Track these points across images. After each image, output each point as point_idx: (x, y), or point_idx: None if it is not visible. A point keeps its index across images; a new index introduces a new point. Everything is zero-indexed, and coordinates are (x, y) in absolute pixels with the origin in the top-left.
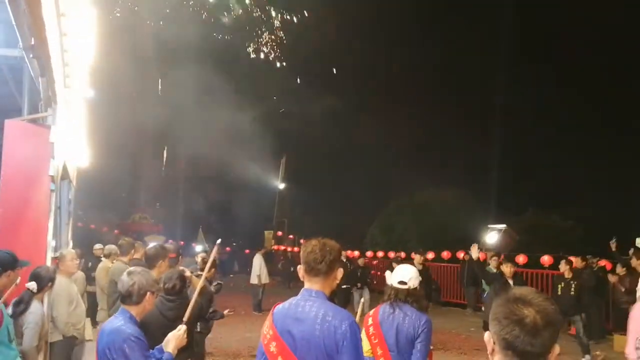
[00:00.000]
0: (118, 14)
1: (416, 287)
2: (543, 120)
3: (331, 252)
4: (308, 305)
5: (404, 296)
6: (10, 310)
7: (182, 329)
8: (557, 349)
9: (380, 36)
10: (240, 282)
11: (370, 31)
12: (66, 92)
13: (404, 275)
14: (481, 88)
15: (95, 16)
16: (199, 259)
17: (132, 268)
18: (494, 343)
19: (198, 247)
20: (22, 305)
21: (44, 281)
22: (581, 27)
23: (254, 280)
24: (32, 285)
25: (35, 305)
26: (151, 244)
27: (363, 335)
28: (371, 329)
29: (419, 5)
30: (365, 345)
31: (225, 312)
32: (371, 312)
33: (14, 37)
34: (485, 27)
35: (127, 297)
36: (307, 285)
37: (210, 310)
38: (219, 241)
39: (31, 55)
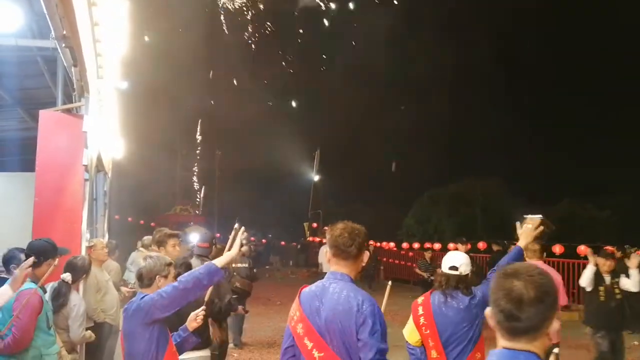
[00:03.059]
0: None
1: (467, 274)
2: (580, 109)
3: (359, 235)
4: (332, 287)
5: (455, 282)
6: (50, 303)
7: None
8: (555, 324)
9: (424, 33)
10: (276, 273)
11: (413, 26)
12: (99, 83)
13: (454, 260)
14: (516, 78)
15: (126, 6)
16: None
17: (150, 253)
18: (492, 317)
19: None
20: (60, 298)
21: (79, 272)
22: None
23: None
24: (68, 277)
25: (75, 297)
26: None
27: (412, 325)
28: (422, 319)
29: None
30: (415, 336)
31: (240, 308)
32: (420, 300)
33: (47, 29)
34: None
35: (140, 280)
36: (333, 268)
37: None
38: (237, 225)
39: (64, 45)
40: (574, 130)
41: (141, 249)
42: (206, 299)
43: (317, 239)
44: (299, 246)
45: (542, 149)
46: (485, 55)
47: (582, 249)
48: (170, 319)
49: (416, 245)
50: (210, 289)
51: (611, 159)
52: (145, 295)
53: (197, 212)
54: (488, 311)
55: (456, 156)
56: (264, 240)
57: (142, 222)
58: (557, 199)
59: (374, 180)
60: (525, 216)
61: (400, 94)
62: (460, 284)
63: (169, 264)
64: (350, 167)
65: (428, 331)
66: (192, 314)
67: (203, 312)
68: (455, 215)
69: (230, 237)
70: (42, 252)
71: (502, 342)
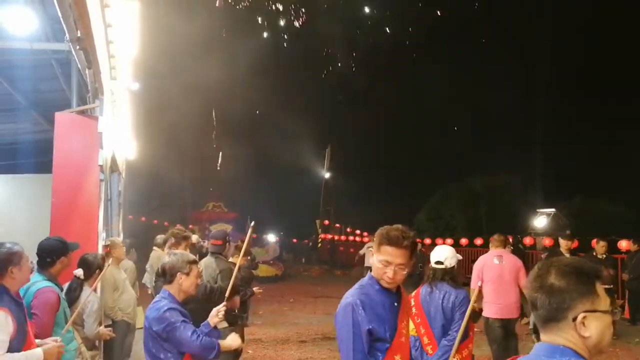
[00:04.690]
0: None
1: (453, 266)
2: (591, 102)
3: (413, 234)
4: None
5: (442, 275)
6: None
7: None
8: (579, 316)
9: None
10: (289, 270)
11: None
12: (112, 84)
13: (440, 255)
14: (529, 73)
15: (137, 8)
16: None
17: (174, 250)
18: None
19: (271, 237)
20: (71, 293)
21: (92, 268)
22: None
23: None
24: (79, 273)
25: (91, 294)
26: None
27: None
28: (413, 309)
29: None
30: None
31: (255, 289)
32: (412, 293)
33: (61, 32)
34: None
35: (163, 276)
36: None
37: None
38: (252, 223)
39: (78, 47)
40: (588, 125)
41: (155, 248)
42: (228, 291)
43: (329, 236)
44: (310, 243)
45: (556, 144)
46: (502, 53)
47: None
48: (194, 314)
49: (428, 241)
50: (233, 281)
51: (626, 154)
52: (169, 300)
53: (226, 209)
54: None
55: (469, 153)
56: (276, 238)
57: (155, 221)
58: (571, 195)
59: (385, 178)
60: (538, 210)
61: (410, 94)
62: (446, 276)
63: (192, 262)
64: (362, 164)
65: (419, 320)
66: (214, 310)
67: (224, 308)
68: (467, 212)
69: (247, 235)
70: (53, 251)
71: (542, 335)
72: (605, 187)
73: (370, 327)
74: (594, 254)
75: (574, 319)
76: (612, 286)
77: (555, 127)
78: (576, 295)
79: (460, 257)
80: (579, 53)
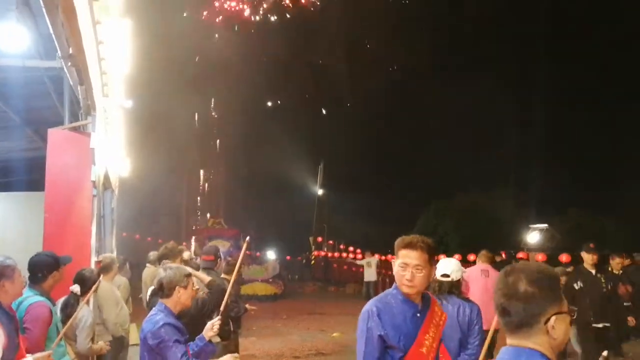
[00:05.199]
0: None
1: (459, 279)
2: (584, 116)
3: (429, 240)
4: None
5: (448, 288)
6: (59, 314)
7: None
8: (552, 320)
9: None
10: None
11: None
12: (105, 101)
13: (446, 268)
14: (520, 87)
15: (129, 25)
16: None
17: (169, 264)
18: (497, 315)
19: (270, 254)
20: (69, 308)
21: (88, 283)
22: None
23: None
24: (76, 289)
25: (84, 308)
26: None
27: None
28: None
29: None
30: None
31: (248, 305)
32: None
33: (53, 50)
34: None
35: (160, 290)
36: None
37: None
38: (247, 238)
39: (70, 64)
40: (582, 139)
41: (148, 265)
42: (222, 307)
43: (322, 253)
44: (304, 260)
45: (550, 158)
46: (492, 69)
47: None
48: (190, 325)
49: None
50: (228, 295)
51: (620, 168)
52: (165, 314)
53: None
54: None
55: (462, 167)
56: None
57: (149, 239)
58: (564, 209)
59: (378, 194)
60: (530, 226)
61: (401, 110)
62: (454, 289)
63: (189, 275)
64: (355, 181)
65: None
66: (209, 323)
67: (219, 322)
68: (462, 227)
69: (242, 251)
70: (44, 266)
71: (509, 339)
72: (599, 202)
73: (382, 333)
74: (610, 269)
75: (546, 322)
76: (630, 304)
77: (549, 142)
78: (549, 300)
79: (465, 270)
80: (573, 65)
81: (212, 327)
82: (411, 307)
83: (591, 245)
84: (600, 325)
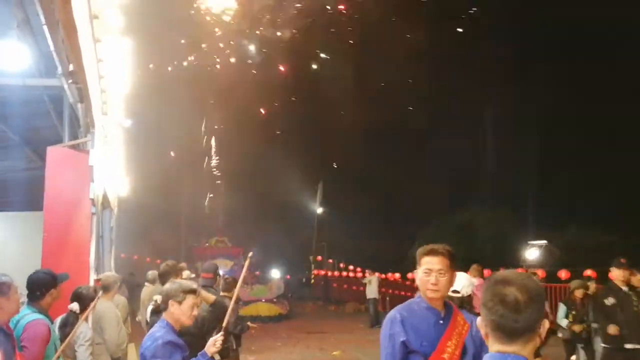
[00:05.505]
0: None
1: (469, 295)
2: (582, 132)
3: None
4: None
5: (459, 304)
6: (57, 332)
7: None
8: (546, 323)
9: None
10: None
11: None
12: (104, 119)
13: (456, 284)
14: (521, 100)
15: (129, 44)
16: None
17: (176, 280)
18: (485, 326)
19: (274, 273)
20: (68, 327)
21: (86, 300)
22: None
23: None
24: (75, 307)
25: (82, 324)
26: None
27: None
28: None
29: None
30: None
31: (249, 323)
32: None
33: (53, 68)
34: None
35: (162, 305)
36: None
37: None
38: (250, 254)
39: (70, 81)
40: (580, 154)
41: (147, 284)
42: (225, 323)
43: (322, 272)
44: (304, 279)
45: (549, 174)
46: (493, 82)
47: (589, 272)
48: (190, 343)
49: None
50: (230, 312)
51: (620, 183)
52: (166, 330)
53: (230, 244)
54: (479, 320)
55: (461, 184)
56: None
57: (148, 259)
58: (563, 225)
59: (378, 211)
60: (529, 242)
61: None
62: (465, 304)
63: (188, 291)
64: (354, 199)
65: None
66: (211, 339)
67: (222, 338)
68: (461, 243)
69: (244, 266)
70: (42, 284)
71: (495, 346)
72: (598, 218)
73: (405, 339)
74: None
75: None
76: None
77: (547, 157)
78: (544, 306)
79: (476, 282)
80: (573, 79)
81: (214, 344)
82: (434, 314)
83: (622, 260)
84: (630, 347)
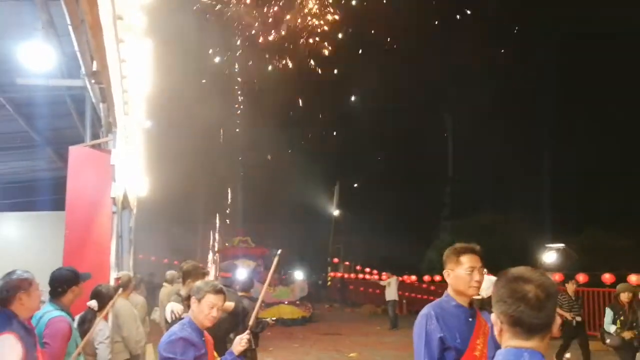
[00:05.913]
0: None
1: (490, 296)
2: (600, 135)
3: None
4: None
5: (479, 305)
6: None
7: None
8: (558, 319)
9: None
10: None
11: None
12: (125, 119)
13: None
14: (532, 109)
15: (150, 45)
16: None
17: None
18: (502, 323)
19: (298, 274)
20: (86, 324)
21: (105, 299)
22: None
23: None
24: (93, 304)
25: (101, 322)
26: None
27: None
28: None
29: None
30: None
31: (269, 319)
32: None
33: (75, 69)
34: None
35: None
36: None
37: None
38: (280, 251)
39: (93, 81)
40: (599, 156)
41: (165, 284)
42: (250, 322)
43: (339, 274)
44: (320, 281)
45: (566, 176)
46: (506, 87)
47: (607, 277)
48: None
49: (438, 278)
50: (256, 311)
51: (638, 185)
52: (186, 326)
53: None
54: (494, 317)
55: (479, 186)
56: (284, 276)
57: (166, 260)
58: (581, 228)
59: (393, 214)
60: (547, 245)
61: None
62: (486, 306)
63: (208, 289)
64: (371, 201)
65: None
66: (238, 338)
67: (248, 337)
68: (479, 247)
69: (273, 265)
70: (64, 280)
71: (512, 342)
72: (616, 220)
73: (442, 335)
74: None
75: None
76: None
77: (563, 159)
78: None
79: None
80: (587, 84)
81: (240, 342)
82: (464, 312)
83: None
84: None
